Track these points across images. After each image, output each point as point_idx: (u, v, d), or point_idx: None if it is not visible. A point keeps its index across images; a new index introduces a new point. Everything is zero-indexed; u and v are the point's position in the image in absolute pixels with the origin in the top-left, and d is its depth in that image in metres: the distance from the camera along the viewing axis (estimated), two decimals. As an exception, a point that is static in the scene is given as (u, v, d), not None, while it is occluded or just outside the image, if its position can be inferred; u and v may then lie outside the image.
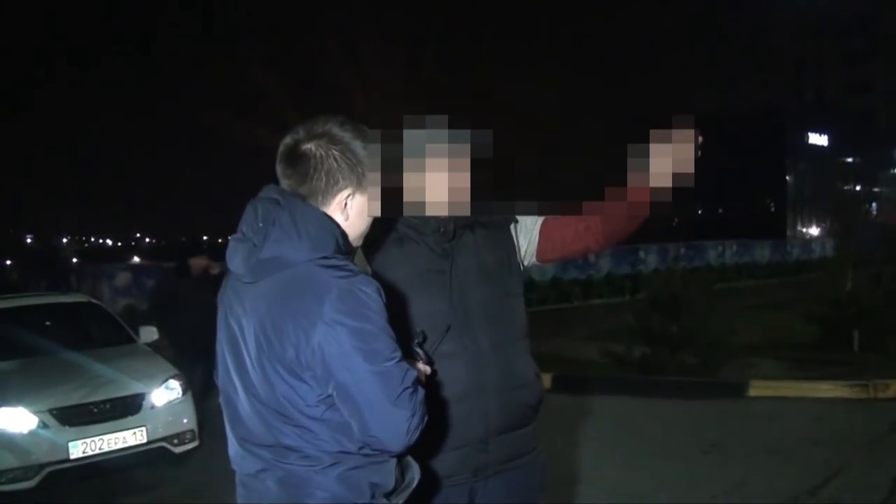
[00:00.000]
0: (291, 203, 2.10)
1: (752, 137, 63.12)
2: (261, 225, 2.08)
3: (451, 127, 2.52)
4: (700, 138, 2.56)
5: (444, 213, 2.60)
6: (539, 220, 2.91)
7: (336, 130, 2.15)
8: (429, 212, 2.57)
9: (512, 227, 2.89)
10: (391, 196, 2.31)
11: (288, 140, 2.18)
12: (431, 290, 2.66)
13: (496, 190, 2.67)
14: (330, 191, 2.14)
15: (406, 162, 2.44)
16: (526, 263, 2.93)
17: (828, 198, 59.00)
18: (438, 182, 2.53)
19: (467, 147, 2.54)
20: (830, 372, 9.46)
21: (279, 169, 2.20)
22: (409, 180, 2.50)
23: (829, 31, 77.81)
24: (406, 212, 2.54)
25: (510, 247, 2.85)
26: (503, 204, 2.80)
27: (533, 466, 2.84)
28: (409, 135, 2.48)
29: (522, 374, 2.76)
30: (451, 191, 2.54)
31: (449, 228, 2.70)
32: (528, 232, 2.89)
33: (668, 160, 2.53)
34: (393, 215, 2.52)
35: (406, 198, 2.51)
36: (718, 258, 31.93)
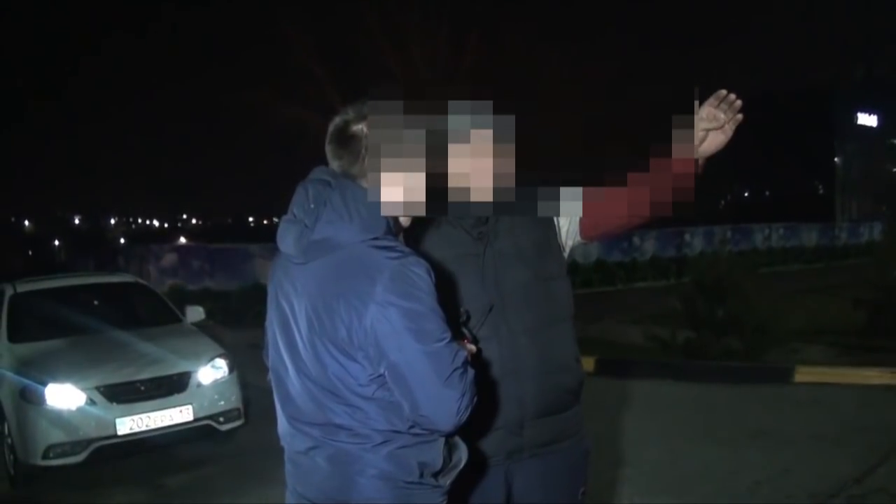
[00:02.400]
0: (342, 184, 2.11)
1: (800, 118, 62.16)
2: (312, 206, 2.10)
3: (496, 112, 2.53)
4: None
5: (488, 198, 2.60)
6: None
7: None
8: (473, 198, 2.58)
9: None
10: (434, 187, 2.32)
11: (338, 121, 2.18)
12: (466, 273, 2.65)
13: (540, 174, 2.65)
14: None
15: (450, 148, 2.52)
16: (570, 244, 2.87)
17: (877, 180, 58.04)
18: (481, 169, 2.54)
19: (509, 133, 2.54)
20: (878, 358, 9.32)
21: (329, 150, 2.20)
22: (452, 166, 2.54)
23: (880, 8, 76.35)
24: (451, 198, 2.56)
25: (549, 228, 2.81)
26: (548, 191, 2.77)
27: (574, 451, 2.81)
28: (452, 120, 2.52)
29: (561, 358, 2.74)
30: (495, 176, 2.56)
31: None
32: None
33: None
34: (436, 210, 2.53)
35: (450, 183, 2.54)
36: (765, 241, 31.59)
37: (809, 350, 10.19)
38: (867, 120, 69.46)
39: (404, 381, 2.01)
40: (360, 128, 2.14)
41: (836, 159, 67.45)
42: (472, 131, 2.52)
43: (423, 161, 2.18)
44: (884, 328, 10.66)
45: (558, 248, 2.82)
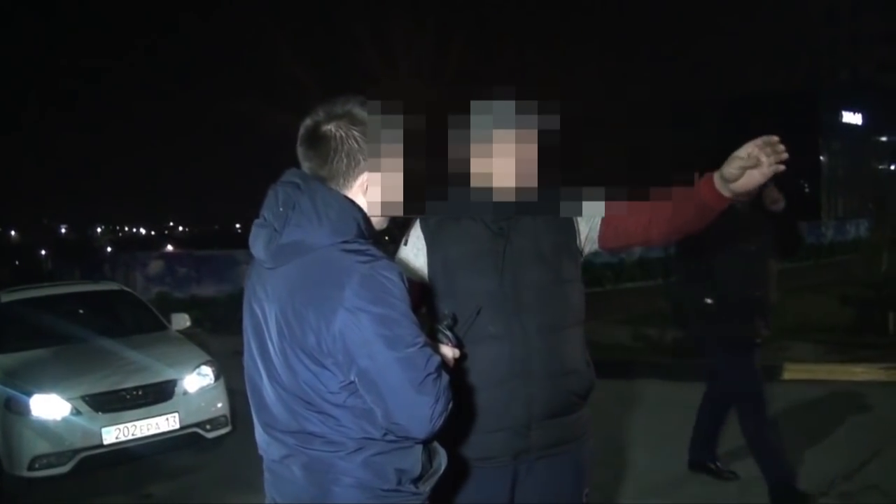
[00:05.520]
0: (312, 187, 2.08)
1: (785, 117, 62.31)
2: (281, 210, 2.06)
3: (517, 111, 2.56)
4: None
5: (511, 198, 2.63)
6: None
7: (357, 110, 2.12)
8: (495, 197, 2.63)
9: None
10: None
11: (308, 122, 2.16)
12: (484, 268, 2.65)
13: (563, 174, 2.64)
14: (351, 173, 2.12)
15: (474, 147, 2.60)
16: (587, 250, 2.87)
17: (862, 177, 58.19)
18: (505, 166, 2.58)
19: (534, 130, 2.58)
20: (866, 355, 9.34)
21: (300, 151, 2.17)
22: (474, 165, 2.61)
23: (864, 9, 76.72)
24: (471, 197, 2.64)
25: (570, 231, 2.80)
26: (570, 190, 2.74)
27: (579, 452, 2.83)
28: (475, 119, 2.57)
29: (571, 361, 2.75)
30: (518, 175, 2.59)
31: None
32: (589, 218, 2.81)
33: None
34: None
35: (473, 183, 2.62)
36: (752, 240, 31.60)
37: (797, 348, 10.19)
38: (852, 119, 69.72)
39: (376, 389, 1.97)
40: (330, 128, 2.11)
41: (821, 158, 67.65)
42: (495, 131, 2.55)
43: (400, 161, 2.17)
44: (871, 325, 10.68)
45: (577, 251, 2.82)
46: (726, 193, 2.43)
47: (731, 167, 2.36)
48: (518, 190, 2.60)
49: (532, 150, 2.58)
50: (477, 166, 2.60)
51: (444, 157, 2.60)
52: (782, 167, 2.37)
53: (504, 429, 2.64)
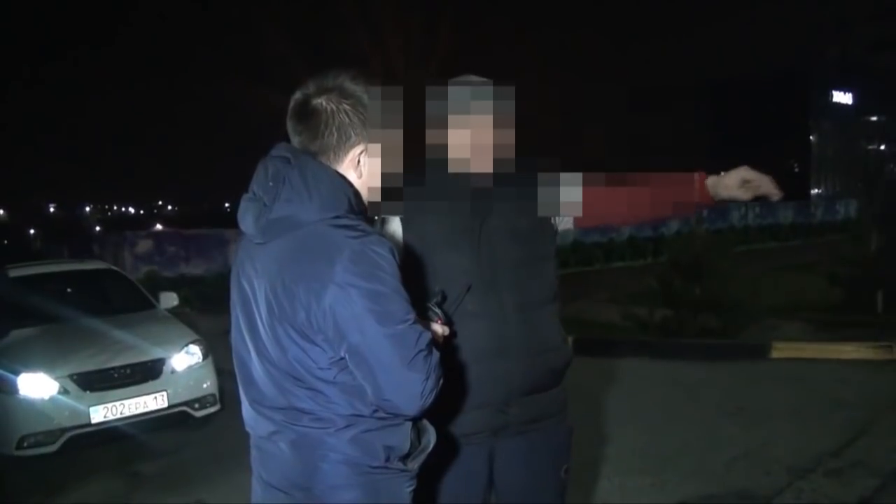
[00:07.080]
0: (302, 161, 2.05)
1: (776, 97, 62.39)
2: (271, 184, 2.03)
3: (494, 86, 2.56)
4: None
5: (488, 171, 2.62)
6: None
7: (348, 84, 2.09)
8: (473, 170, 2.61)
9: None
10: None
11: (298, 95, 2.12)
12: (460, 246, 2.62)
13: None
14: (342, 147, 2.09)
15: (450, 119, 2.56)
16: (561, 228, 2.87)
17: (852, 157, 58.39)
18: (482, 139, 2.57)
19: (511, 105, 2.56)
20: (854, 333, 9.37)
21: (290, 125, 2.13)
22: (451, 137, 2.59)
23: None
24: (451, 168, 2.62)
25: None
26: (524, 160, 2.75)
27: (558, 430, 2.82)
28: (452, 91, 2.56)
29: (549, 337, 2.73)
30: (496, 147, 2.57)
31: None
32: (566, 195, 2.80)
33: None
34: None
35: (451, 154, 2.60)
36: (741, 220, 31.68)
37: (786, 326, 10.24)
38: (842, 98, 69.81)
39: (366, 365, 1.94)
40: (320, 101, 2.07)
41: (811, 137, 67.72)
42: (472, 102, 2.53)
43: (401, 132, 2.15)
44: (860, 304, 10.72)
45: (552, 229, 2.81)
46: (715, 197, 2.75)
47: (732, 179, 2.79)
48: (496, 164, 2.59)
49: (510, 123, 2.57)
50: (454, 139, 2.59)
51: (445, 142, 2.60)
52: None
53: (484, 405, 2.63)
